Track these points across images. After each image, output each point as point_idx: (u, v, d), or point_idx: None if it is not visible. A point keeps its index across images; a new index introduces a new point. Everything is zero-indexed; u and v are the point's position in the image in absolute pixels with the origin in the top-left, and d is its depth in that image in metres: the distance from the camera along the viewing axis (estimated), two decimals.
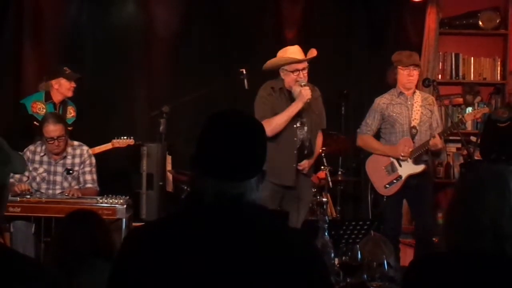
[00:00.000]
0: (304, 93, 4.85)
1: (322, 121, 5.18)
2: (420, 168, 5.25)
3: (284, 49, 5.05)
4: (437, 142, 5.12)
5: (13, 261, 1.67)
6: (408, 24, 7.09)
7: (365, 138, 5.43)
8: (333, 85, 6.88)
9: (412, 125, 5.26)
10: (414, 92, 5.32)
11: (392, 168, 5.29)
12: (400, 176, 5.26)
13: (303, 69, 4.93)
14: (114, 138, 5.97)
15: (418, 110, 5.26)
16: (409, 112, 5.27)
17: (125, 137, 6.01)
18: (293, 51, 4.98)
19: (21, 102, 5.95)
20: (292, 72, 4.91)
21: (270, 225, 1.74)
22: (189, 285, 1.63)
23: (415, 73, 5.26)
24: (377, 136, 5.46)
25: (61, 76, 5.82)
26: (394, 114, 5.29)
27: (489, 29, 7.01)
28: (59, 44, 6.81)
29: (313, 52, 4.99)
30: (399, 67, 5.29)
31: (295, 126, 4.92)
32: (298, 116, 4.92)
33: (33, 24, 6.79)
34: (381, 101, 5.37)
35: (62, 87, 5.84)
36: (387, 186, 5.29)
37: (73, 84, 5.86)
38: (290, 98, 4.96)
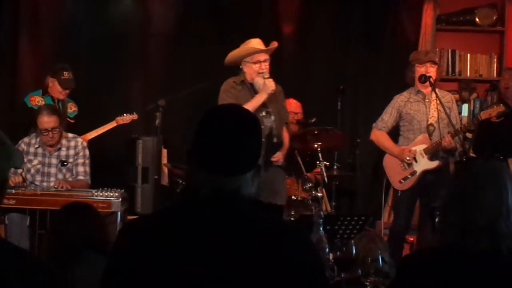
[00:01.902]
0: (269, 84, 4.92)
1: (285, 115, 5.28)
2: (434, 164, 5.25)
3: (246, 41, 5.11)
4: (449, 142, 5.13)
5: (8, 253, 1.66)
6: (405, 20, 7.09)
7: (379, 134, 5.45)
8: (329, 81, 6.89)
9: (429, 122, 5.27)
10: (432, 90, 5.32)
11: (408, 164, 5.31)
12: (415, 172, 5.28)
13: (265, 60, 5.00)
14: (118, 116, 6.01)
15: (436, 108, 5.27)
16: (426, 110, 5.29)
17: (128, 114, 6.04)
18: (254, 43, 5.05)
19: (23, 101, 5.95)
20: (254, 63, 4.99)
21: (265, 220, 1.74)
22: (184, 279, 1.63)
23: (432, 69, 5.26)
24: (395, 133, 5.47)
25: (56, 78, 5.79)
26: (412, 112, 5.31)
27: (485, 26, 7.01)
28: (56, 39, 6.77)
29: (274, 44, 5.07)
30: (416, 64, 5.30)
31: (261, 115, 4.92)
32: (263, 106, 4.95)
33: (29, 19, 6.75)
34: (399, 98, 5.39)
35: (54, 89, 5.82)
36: (402, 181, 5.31)
37: (66, 91, 5.83)
38: (253, 89, 5.02)
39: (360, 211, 6.52)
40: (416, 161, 5.28)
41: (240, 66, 5.10)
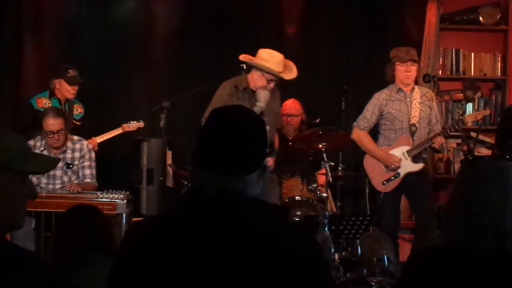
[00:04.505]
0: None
1: (278, 121, 5.39)
2: (419, 166, 5.25)
3: (270, 53, 5.14)
4: (441, 142, 5.18)
5: (13, 255, 1.67)
6: (409, 19, 7.08)
7: (361, 134, 5.40)
8: (333, 81, 6.89)
9: (411, 122, 5.25)
10: (413, 89, 5.31)
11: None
12: (398, 174, 5.25)
13: (276, 81, 5.12)
14: (124, 120, 6.02)
15: (417, 108, 5.25)
16: (408, 109, 5.26)
17: (134, 121, 6.06)
18: (276, 61, 5.09)
19: (29, 102, 5.96)
20: (267, 80, 5.07)
21: (271, 221, 1.74)
22: (189, 280, 1.63)
23: (413, 68, 5.25)
24: (375, 131, 5.45)
25: (62, 78, 5.78)
26: (393, 111, 5.28)
27: (489, 25, 7.00)
28: (60, 40, 6.79)
29: (293, 74, 5.16)
30: (397, 62, 5.28)
31: None
32: (260, 115, 4.98)
33: (33, 21, 6.76)
34: (381, 96, 5.36)
35: (63, 89, 5.81)
36: (385, 182, 5.27)
37: (75, 88, 5.82)
38: (254, 98, 5.10)
39: (365, 211, 6.51)
40: None
41: (247, 70, 5.15)
